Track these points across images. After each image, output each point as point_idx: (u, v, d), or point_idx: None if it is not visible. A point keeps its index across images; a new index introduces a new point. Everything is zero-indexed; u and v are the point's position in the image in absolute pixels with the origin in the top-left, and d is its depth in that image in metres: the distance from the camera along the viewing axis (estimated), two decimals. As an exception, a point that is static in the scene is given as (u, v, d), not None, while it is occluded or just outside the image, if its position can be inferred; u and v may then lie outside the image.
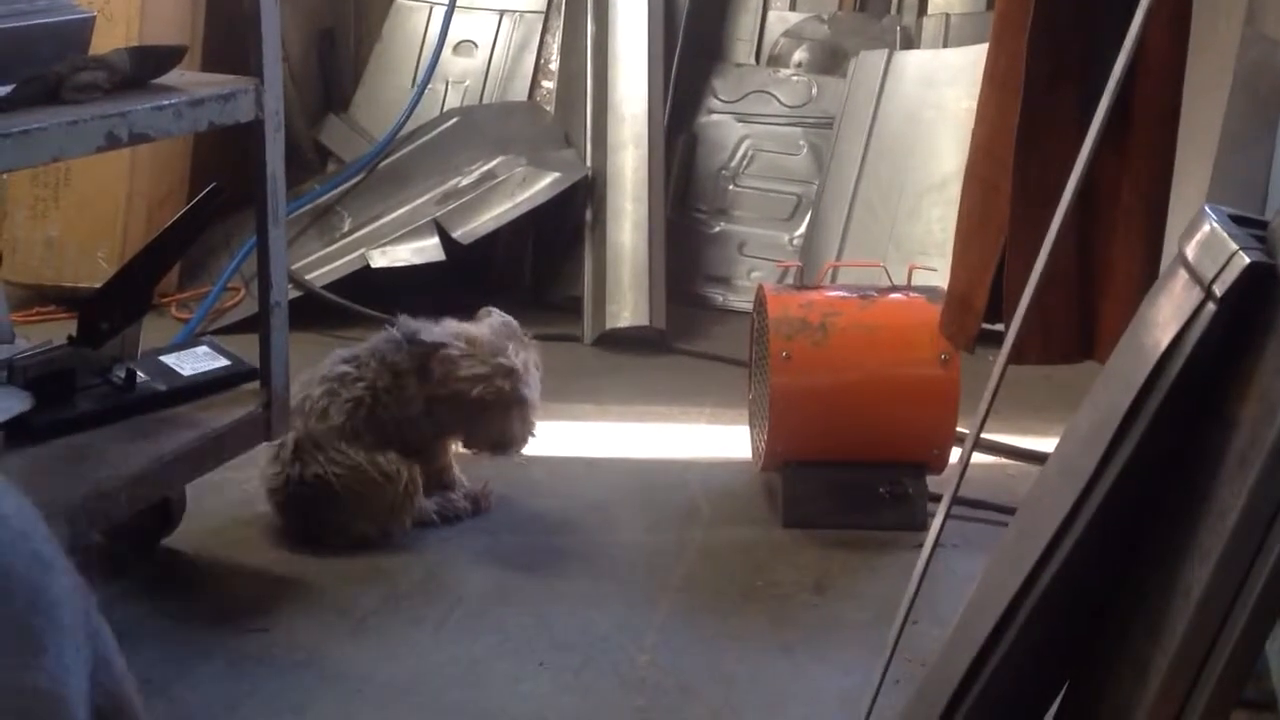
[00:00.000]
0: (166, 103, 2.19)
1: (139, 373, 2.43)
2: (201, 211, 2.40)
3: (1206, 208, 1.46)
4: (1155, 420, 1.42)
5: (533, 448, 2.82)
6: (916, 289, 2.84)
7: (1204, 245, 1.41)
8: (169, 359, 2.52)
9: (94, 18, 2.28)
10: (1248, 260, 1.34)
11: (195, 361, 2.53)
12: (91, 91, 2.13)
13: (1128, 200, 2.40)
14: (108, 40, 3.61)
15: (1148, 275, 2.41)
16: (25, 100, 2.05)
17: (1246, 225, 1.44)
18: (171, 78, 2.31)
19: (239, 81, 2.34)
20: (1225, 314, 1.36)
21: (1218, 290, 1.36)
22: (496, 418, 2.67)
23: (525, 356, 2.70)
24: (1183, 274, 1.43)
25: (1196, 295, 1.39)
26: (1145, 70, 2.31)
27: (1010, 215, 2.43)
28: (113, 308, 2.36)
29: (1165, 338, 1.41)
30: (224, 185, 2.41)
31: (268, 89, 2.35)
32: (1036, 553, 1.54)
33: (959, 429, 2.75)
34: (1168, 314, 1.43)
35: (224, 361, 2.55)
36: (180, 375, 2.48)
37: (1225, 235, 1.38)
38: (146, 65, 2.26)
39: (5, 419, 2.19)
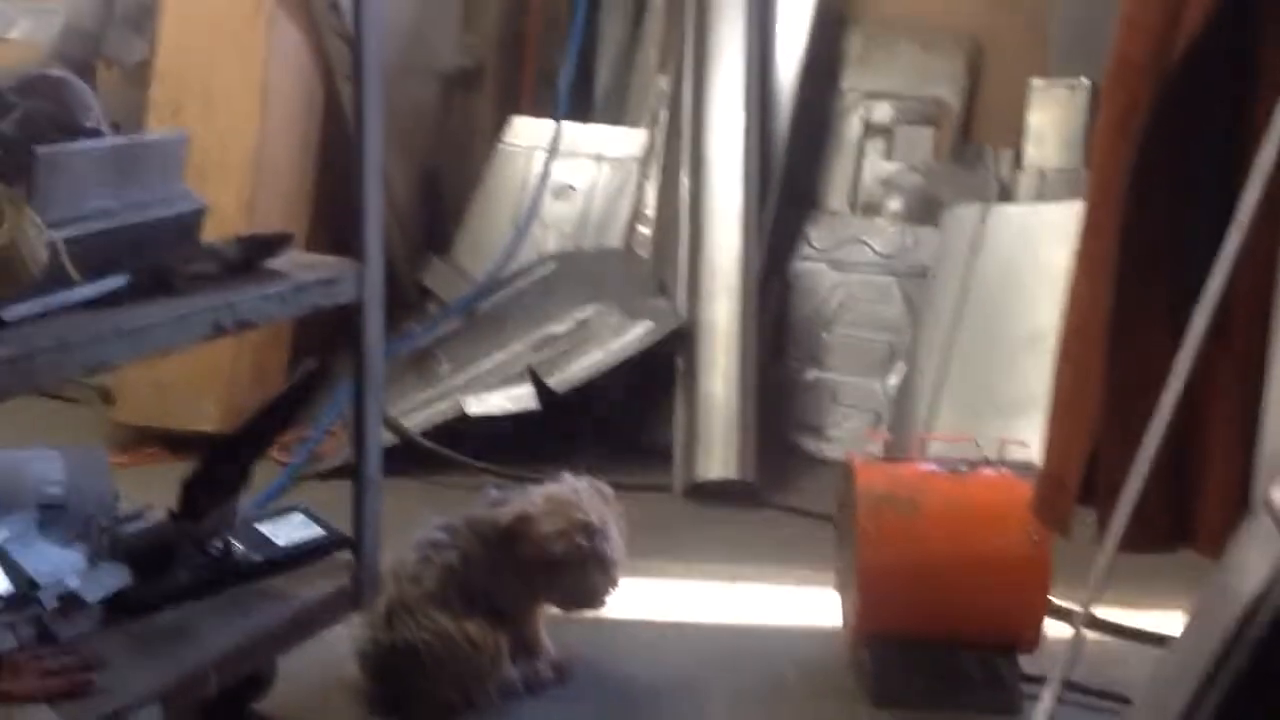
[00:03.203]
0: (272, 290, 2.27)
1: (235, 543, 2.49)
2: (299, 391, 2.48)
3: (1293, 454, 1.44)
4: (1241, 674, 1.40)
5: (620, 609, 2.83)
6: (1008, 464, 2.82)
7: (1291, 497, 1.39)
8: (264, 528, 2.58)
9: (205, 208, 2.37)
10: (1335, 520, 1.32)
11: (289, 530, 2.59)
12: (202, 281, 2.22)
13: (1223, 390, 2.36)
14: (222, 192, 3.78)
15: (1246, 467, 2.36)
16: (139, 293, 2.14)
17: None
18: (278, 260, 2.39)
19: (341, 265, 2.43)
20: (1313, 572, 1.34)
21: (1305, 548, 1.34)
22: (577, 574, 2.69)
23: (605, 513, 2.71)
24: (1268, 522, 1.41)
25: (1283, 550, 1.37)
26: (1240, 258, 2.29)
27: (1102, 403, 2.41)
28: (213, 484, 2.43)
29: (1251, 591, 1.39)
30: (324, 365, 2.48)
31: (369, 271, 2.43)
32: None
33: (1054, 599, 2.71)
34: (1253, 564, 1.41)
35: (318, 530, 2.61)
36: (275, 545, 2.53)
37: (1313, 491, 1.36)
38: (255, 252, 2.35)
39: (104, 595, 2.25)
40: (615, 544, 2.73)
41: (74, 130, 2.19)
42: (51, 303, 1.99)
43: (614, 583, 2.74)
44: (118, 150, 2.22)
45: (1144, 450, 2.08)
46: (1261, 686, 1.42)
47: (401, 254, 4.55)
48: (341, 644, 2.76)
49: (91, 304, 2.06)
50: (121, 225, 2.17)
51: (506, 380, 4.01)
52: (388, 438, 3.65)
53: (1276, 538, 1.39)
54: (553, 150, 4.49)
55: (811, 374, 4.23)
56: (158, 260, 2.17)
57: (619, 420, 4.19)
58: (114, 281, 2.11)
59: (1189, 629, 1.52)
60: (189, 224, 2.33)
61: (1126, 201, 2.31)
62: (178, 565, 2.39)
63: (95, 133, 2.23)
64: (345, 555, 2.57)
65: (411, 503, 3.25)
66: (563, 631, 2.86)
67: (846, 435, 4.05)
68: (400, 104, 4.43)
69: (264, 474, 3.73)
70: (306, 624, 2.41)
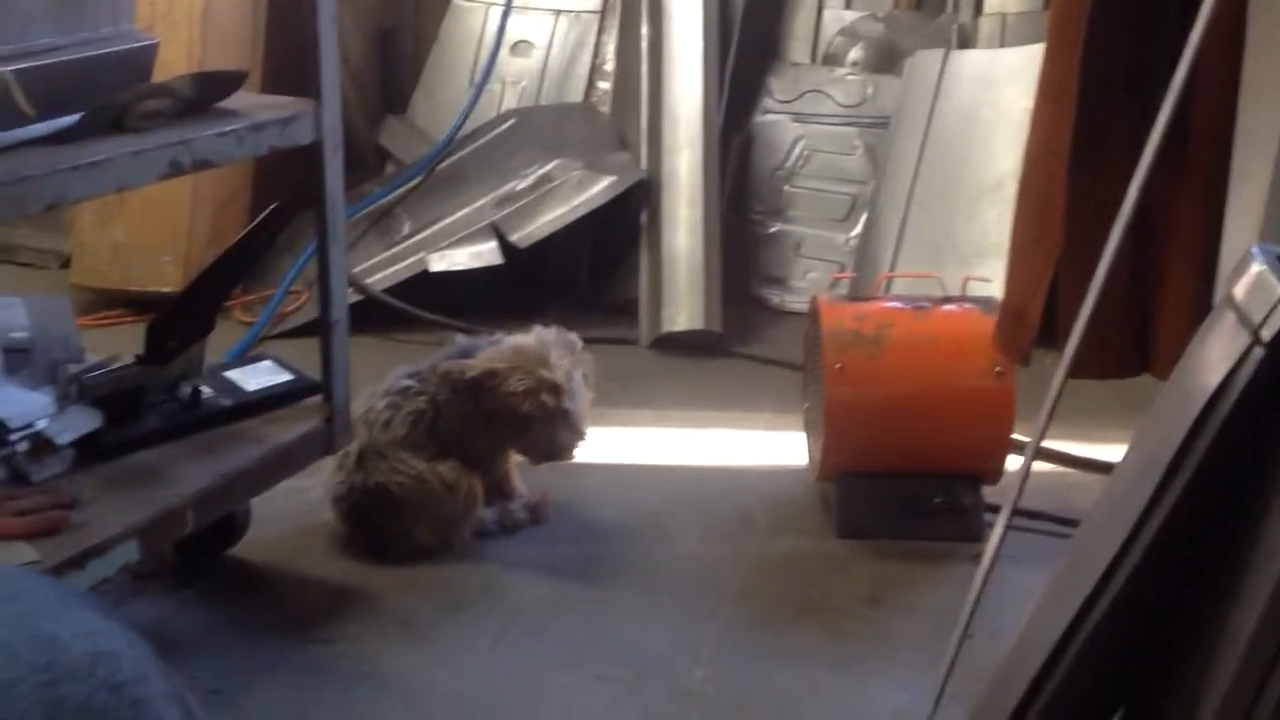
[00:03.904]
0: (228, 129, 2.24)
1: (204, 389, 2.49)
2: (264, 231, 2.46)
3: (1255, 248, 1.46)
4: (1203, 462, 1.42)
5: (591, 454, 2.86)
6: (971, 300, 2.84)
7: (1252, 287, 1.41)
8: (233, 374, 2.58)
9: (157, 44, 2.33)
10: (1296, 305, 1.34)
11: (259, 376, 2.59)
12: (155, 119, 2.19)
13: (1182, 215, 2.39)
14: (170, 48, 3.70)
15: (1203, 290, 2.40)
16: (91, 130, 2.10)
17: (1296, 265, 1.44)
18: (232, 100, 2.36)
19: (298, 104, 2.39)
20: (1273, 358, 1.36)
21: (1265, 334, 1.36)
22: (544, 429, 2.72)
23: (572, 369, 2.72)
24: (1230, 315, 1.43)
25: (1244, 338, 1.39)
26: (1199, 87, 2.30)
27: (1064, 230, 2.43)
28: (179, 327, 2.42)
29: (1213, 380, 1.41)
30: (285, 205, 2.45)
31: (326, 110, 2.39)
32: (1089, 588, 1.55)
33: (1016, 436, 2.76)
34: (1216, 355, 1.43)
35: (287, 375, 2.61)
36: (244, 390, 2.53)
37: (1274, 279, 1.38)
38: (208, 91, 2.31)
39: (75, 438, 2.25)
40: (582, 399, 2.75)
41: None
42: (4, 139, 1.96)
43: (581, 437, 2.76)
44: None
45: (1099, 272, 2.10)
46: (1220, 478, 1.46)
47: (358, 115, 4.49)
48: (315, 492, 2.80)
49: (45, 141, 2.02)
50: (71, 61, 2.13)
51: (469, 237, 3.99)
52: (351, 295, 3.63)
53: (1239, 329, 1.41)
54: (509, 4, 4.41)
55: (774, 226, 4.22)
56: (110, 98, 2.13)
57: (584, 279, 4.19)
58: (66, 119, 2.07)
59: (1148, 428, 1.55)
60: (140, 62, 2.28)
61: (1090, 23, 2.30)
62: (146, 410, 2.39)
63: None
64: (316, 401, 2.57)
65: (376, 359, 3.25)
66: (536, 474, 2.89)
67: (810, 287, 4.06)
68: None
69: (229, 335, 3.73)
70: (280, 465, 2.42)
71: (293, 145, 2.37)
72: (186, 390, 2.45)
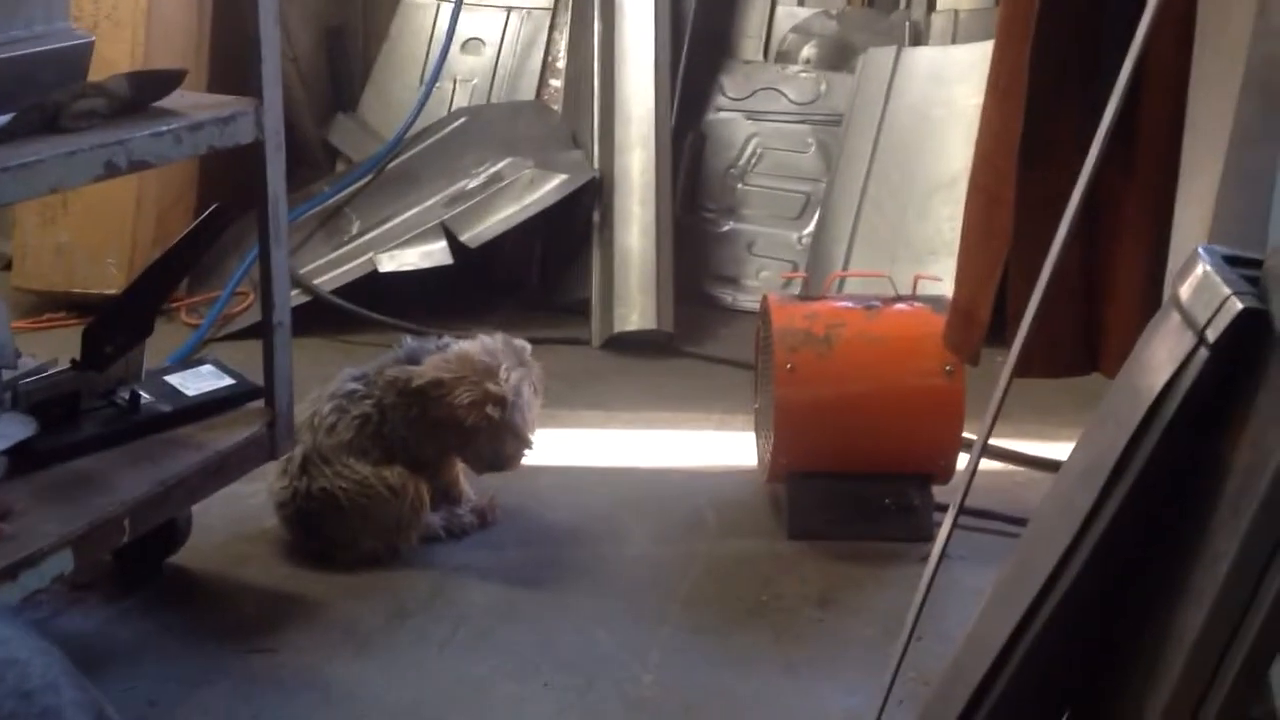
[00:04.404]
0: (165, 128, 2.19)
1: (143, 394, 2.44)
2: (204, 233, 2.41)
3: (1201, 248, 1.45)
4: (1148, 463, 1.41)
5: (541, 456, 2.83)
6: (921, 299, 2.83)
7: (1197, 288, 1.40)
8: (173, 379, 2.53)
9: (92, 42, 2.28)
10: (1240, 306, 1.33)
11: (199, 381, 2.54)
12: (90, 119, 2.13)
13: (1132, 212, 2.39)
14: (113, 47, 3.64)
15: (1152, 288, 2.40)
16: (24, 130, 2.05)
17: (1240, 265, 1.43)
18: (171, 100, 2.31)
19: (238, 103, 2.34)
20: (1218, 359, 1.35)
21: (1210, 336, 1.35)
22: (488, 440, 2.68)
23: (519, 379, 2.68)
24: (1176, 316, 1.42)
25: (1189, 339, 1.38)
26: (1148, 82, 2.29)
27: (1013, 228, 2.42)
28: (116, 331, 2.37)
29: (1159, 381, 1.40)
30: (226, 206, 2.41)
31: (268, 110, 2.35)
32: (1035, 589, 1.54)
33: (966, 435, 2.75)
34: (1161, 356, 1.42)
35: (228, 380, 2.56)
36: (184, 396, 2.48)
37: (1218, 279, 1.37)
38: (146, 90, 2.26)
39: (9, 445, 2.20)
40: (529, 409, 2.71)
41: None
42: (-69, 139, 1.91)
43: (528, 446, 2.73)
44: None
45: (1046, 268, 2.09)
46: (1166, 479, 1.44)
47: (306, 113, 4.43)
48: (259, 498, 2.75)
49: (-28, 142, 1.98)
50: (3, 59, 2.07)
51: (419, 237, 3.94)
52: (298, 296, 3.59)
53: (1184, 330, 1.39)
54: (460, 2, 4.37)
55: (727, 225, 4.20)
56: (43, 97, 2.07)
57: (535, 279, 4.15)
58: (-2, 119, 2.03)
59: (1094, 429, 1.54)
60: (76, 60, 2.23)
61: (1039, 18, 2.29)
62: (83, 416, 2.34)
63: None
64: (258, 405, 2.53)
65: (323, 361, 3.22)
66: (484, 478, 2.85)
67: (762, 286, 4.04)
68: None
69: (174, 337, 3.68)
70: (221, 472, 2.37)
71: (233, 145, 2.32)
72: (125, 395, 2.40)
